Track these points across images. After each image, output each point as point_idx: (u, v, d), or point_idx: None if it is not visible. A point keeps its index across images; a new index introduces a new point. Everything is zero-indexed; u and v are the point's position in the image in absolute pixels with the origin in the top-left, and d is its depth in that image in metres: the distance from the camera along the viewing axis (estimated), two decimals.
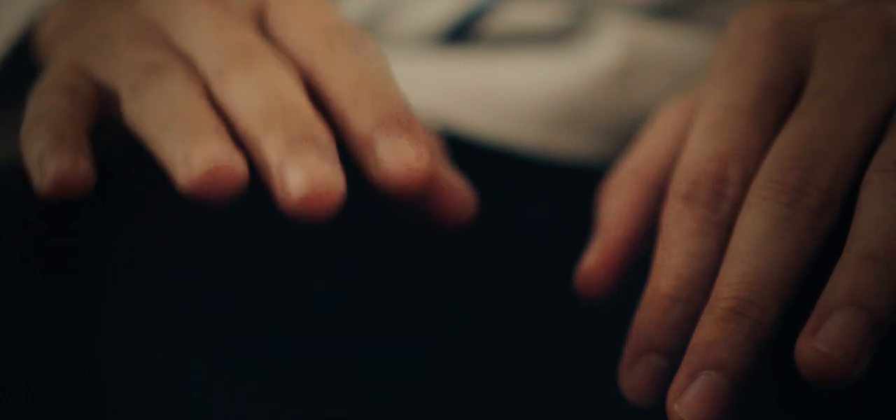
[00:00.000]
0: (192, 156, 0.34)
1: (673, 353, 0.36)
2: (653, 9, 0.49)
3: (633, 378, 0.36)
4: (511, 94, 0.48)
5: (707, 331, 0.33)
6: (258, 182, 0.40)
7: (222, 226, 0.38)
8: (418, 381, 0.44)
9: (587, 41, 0.49)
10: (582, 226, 0.44)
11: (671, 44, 0.49)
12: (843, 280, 0.32)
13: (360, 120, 0.37)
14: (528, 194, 0.48)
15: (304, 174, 0.34)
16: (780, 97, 0.38)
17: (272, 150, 0.35)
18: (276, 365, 0.37)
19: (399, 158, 0.36)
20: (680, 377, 0.33)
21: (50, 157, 0.35)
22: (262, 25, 0.40)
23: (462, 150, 0.48)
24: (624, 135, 0.47)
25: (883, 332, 0.32)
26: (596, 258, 0.40)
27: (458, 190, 0.40)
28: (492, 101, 0.48)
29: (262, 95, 0.36)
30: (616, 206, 0.41)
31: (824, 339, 0.31)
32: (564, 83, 0.48)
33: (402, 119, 0.37)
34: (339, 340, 0.41)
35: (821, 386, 0.32)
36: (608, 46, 0.48)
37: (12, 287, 0.35)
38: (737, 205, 0.36)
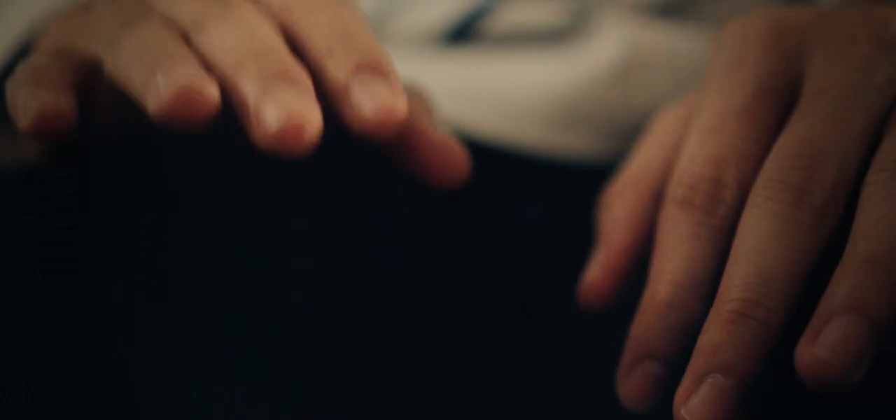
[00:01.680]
0: (164, 81, 0.34)
1: (670, 359, 0.36)
2: (653, 8, 0.49)
3: (630, 385, 0.36)
4: (511, 93, 0.48)
5: (713, 333, 0.33)
6: (258, 186, 0.40)
7: (223, 226, 0.38)
8: (416, 380, 0.44)
9: (587, 41, 0.49)
10: (581, 225, 0.44)
11: (671, 43, 0.49)
12: (843, 284, 0.32)
13: (335, 68, 0.37)
14: (527, 193, 0.48)
15: (280, 108, 0.34)
16: (777, 101, 0.38)
17: (249, 87, 0.35)
18: (276, 365, 0.37)
19: (374, 102, 0.36)
20: (686, 382, 0.33)
21: (32, 96, 0.36)
22: None
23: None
24: (624, 135, 0.47)
25: (883, 338, 0.32)
26: (598, 272, 0.40)
27: (448, 146, 0.40)
28: (492, 101, 0.48)
29: (238, 38, 0.36)
30: (615, 217, 0.40)
31: (824, 346, 0.31)
32: (565, 83, 0.48)
33: (377, 66, 0.37)
34: (338, 340, 0.41)
35: (821, 391, 0.32)
36: (608, 46, 0.48)
37: (12, 287, 0.35)
38: (734, 209, 0.36)
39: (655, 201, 0.40)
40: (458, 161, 0.40)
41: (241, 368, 0.35)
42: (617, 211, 0.41)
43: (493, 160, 0.48)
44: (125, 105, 0.37)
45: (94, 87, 0.38)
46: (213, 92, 0.34)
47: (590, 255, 0.41)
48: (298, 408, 0.38)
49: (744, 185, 0.36)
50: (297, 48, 0.38)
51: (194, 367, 0.35)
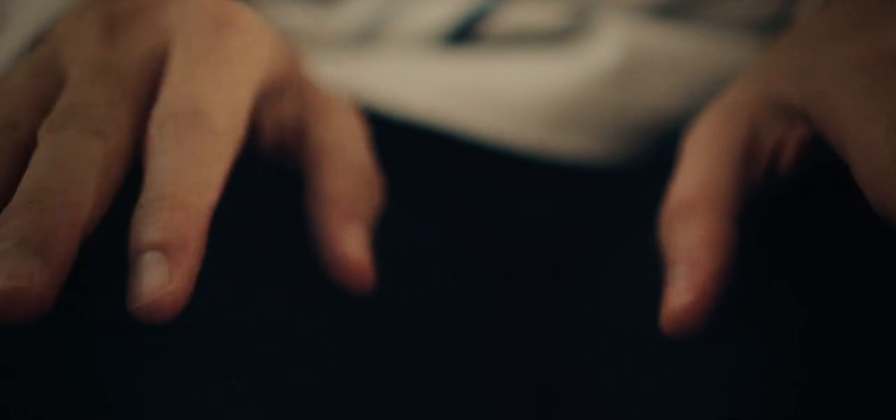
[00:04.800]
0: None
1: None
2: (653, 8, 0.50)
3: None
4: (512, 93, 0.49)
5: None
6: (258, 187, 0.41)
7: (223, 227, 0.38)
8: (418, 380, 0.45)
9: (588, 41, 0.49)
10: (581, 225, 0.44)
11: (672, 43, 0.49)
12: None
13: (140, 232, 0.36)
14: (527, 193, 0.49)
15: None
16: None
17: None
18: (276, 365, 0.37)
19: (149, 286, 0.35)
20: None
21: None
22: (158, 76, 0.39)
23: (462, 149, 0.48)
24: (624, 135, 0.47)
25: None
26: (690, 296, 0.37)
27: (358, 265, 0.41)
28: (493, 101, 0.48)
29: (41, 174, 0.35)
30: (698, 237, 0.38)
31: None
32: (565, 83, 0.48)
33: (177, 242, 0.36)
34: (339, 340, 0.41)
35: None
36: (609, 46, 0.48)
37: None
38: None
39: (732, 221, 0.38)
40: (361, 280, 0.41)
41: (242, 368, 0.35)
42: (697, 230, 0.38)
43: (493, 160, 0.48)
44: None
45: None
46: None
47: (590, 254, 0.41)
48: (299, 408, 0.38)
49: None
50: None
51: (195, 368, 0.35)
